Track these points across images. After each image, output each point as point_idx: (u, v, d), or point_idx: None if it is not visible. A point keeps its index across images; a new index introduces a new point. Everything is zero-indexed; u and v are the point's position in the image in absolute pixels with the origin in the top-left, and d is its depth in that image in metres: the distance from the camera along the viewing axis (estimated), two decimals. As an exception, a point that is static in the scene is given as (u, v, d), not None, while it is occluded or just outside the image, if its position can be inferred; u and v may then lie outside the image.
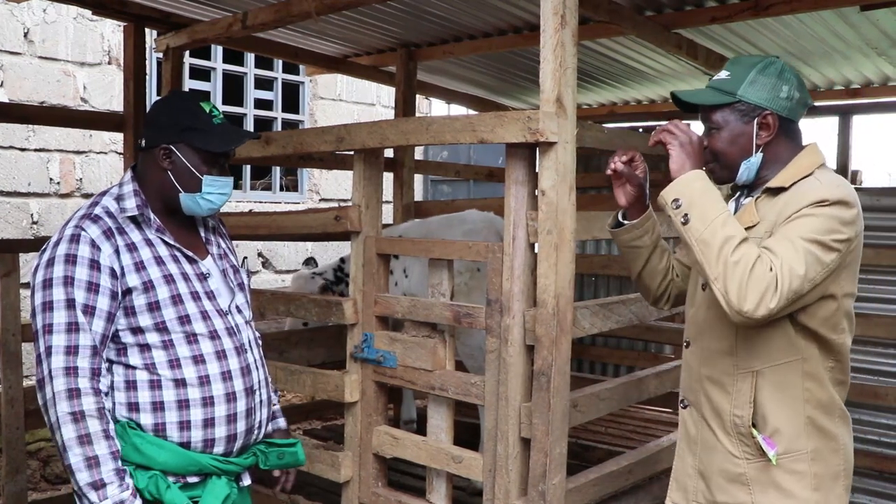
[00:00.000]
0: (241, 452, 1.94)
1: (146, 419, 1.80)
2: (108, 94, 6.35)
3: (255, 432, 1.97)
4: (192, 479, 1.84)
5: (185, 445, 1.82)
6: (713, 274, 1.66)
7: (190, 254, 1.91)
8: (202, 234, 2.02)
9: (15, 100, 5.77)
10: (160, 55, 4.38)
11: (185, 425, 1.81)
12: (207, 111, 1.90)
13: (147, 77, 4.84)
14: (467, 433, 3.67)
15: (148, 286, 1.80)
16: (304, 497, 3.12)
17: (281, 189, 7.91)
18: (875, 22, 3.85)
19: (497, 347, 2.44)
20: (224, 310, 1.93)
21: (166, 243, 1.88)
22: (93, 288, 1.75)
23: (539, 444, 2.35)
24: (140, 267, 1.81)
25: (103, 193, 1.90)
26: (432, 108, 9.23)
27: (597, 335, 3.88)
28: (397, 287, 3.72)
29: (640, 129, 5.56)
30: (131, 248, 1.82)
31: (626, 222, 2.04)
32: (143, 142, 1.91)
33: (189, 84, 6.81)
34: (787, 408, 1.79)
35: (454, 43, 4.66)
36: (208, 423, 1.83)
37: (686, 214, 1.71)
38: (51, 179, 6.08)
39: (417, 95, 5.33)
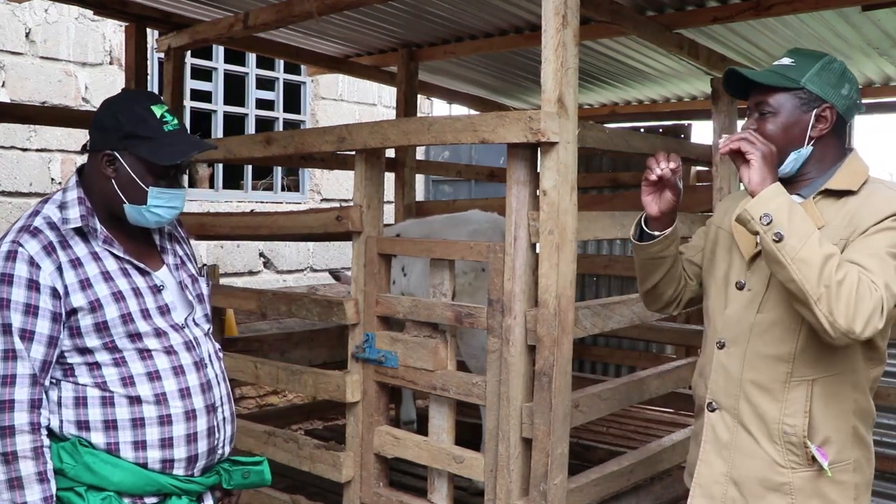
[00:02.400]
0: (205, 472, 1.81)
1: (97, 438, 1.66)
2: (110, 94, 6.30)
3: (219, 451, 1.83)
4: (150, 500, 1.71)
5: (142, 467, 1.68)
6: (814, 294, 1.57)
7: (142, 266, 1.76)
8: (157, 242, 1.86)
9: (16, 100, 5.77)
10: (162, 55, 4.39)
11: (140, 445, 1.68)
12: (158, 116, 1.73)
13: (149, 77, 4.84)
14: (469, 433, 3.67)
15: (95, 305, 1.65)
16: (305, 497, 3.12)
17: (282, 189, 7.90)
18: (876, 22, 3.85)
19: (498, 347, 2.44)
20: (180, 324, 1.78)
21: (115, 256, 1.72)
22: (31, 311, 1.60)
23: (540, 444, 2.35)
24: (86, 285, 1.65)
25: (45, 200, 1.74)
26: (433, 108, 9.23)
27: (598, 335, 3.88)
28: (395, 286, 3.71)
29: (642, 129, 5.56)
30: (75, 263, 1.66)
31: (655, 233, 1.90)
32: (88, 144, 1.77)
33: (191, 84, 6.81)
34: (837, 418, 1.76)
35: (455, 43, 4.66)
36: (166, 443, 1.70)
37: (778, 232, 1.58)
38: (52, 179, 6.09)
39: (419, 95, 5.33)
